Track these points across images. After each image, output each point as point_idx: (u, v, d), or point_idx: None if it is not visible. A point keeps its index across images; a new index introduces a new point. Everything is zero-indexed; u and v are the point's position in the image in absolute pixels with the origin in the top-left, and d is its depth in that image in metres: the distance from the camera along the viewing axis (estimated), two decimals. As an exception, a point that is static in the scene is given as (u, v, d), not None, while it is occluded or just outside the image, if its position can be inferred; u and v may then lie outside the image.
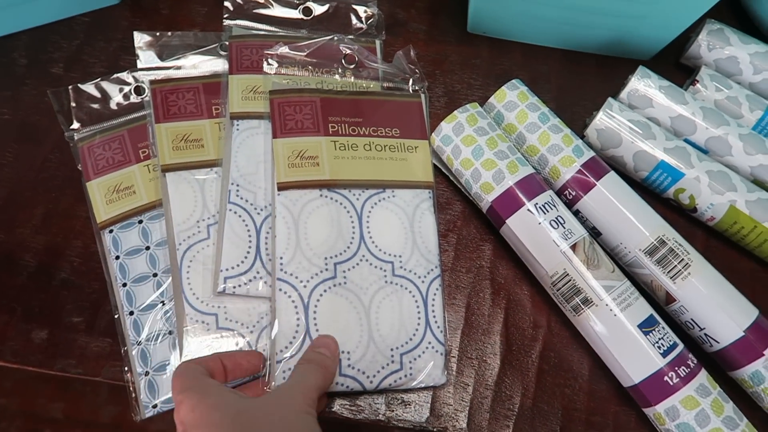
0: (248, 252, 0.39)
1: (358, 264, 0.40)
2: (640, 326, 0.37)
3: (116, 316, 0.39)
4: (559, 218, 0.40)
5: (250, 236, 0.40)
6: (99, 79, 0.45)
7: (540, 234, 0.39)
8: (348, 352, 0.38)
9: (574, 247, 0.39)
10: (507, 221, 0.40)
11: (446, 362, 0.39)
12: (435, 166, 0.44)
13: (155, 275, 0.40)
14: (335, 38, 0.45)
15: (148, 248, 0.40)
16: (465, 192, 0.44)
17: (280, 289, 0.38)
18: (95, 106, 0.44)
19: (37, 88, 0.46)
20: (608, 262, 0.39)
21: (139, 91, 0.45)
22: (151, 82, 0.43)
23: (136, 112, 0.44)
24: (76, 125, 0.44)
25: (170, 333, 0.38)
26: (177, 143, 0.41)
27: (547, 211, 0.40)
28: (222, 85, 0.44)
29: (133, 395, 0.37)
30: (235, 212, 0.40)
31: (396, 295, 0.40)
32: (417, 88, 0.46)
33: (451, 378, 0.40)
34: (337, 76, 0.45)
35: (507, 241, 0.42)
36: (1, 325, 0.39)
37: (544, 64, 0.50)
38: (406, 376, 0.38)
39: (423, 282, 0.41)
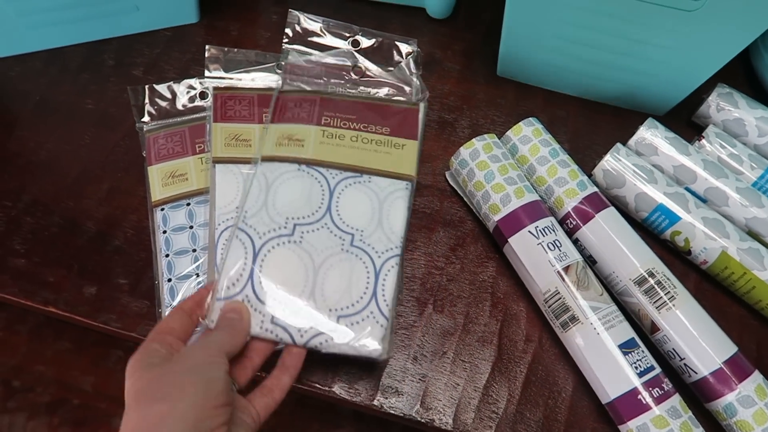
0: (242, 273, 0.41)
1: (318, 229, 0.42)
2: (621, 346, 0.40)
3: (156, 282, 0.45)
4: (556, 241, 0.43)
5: (245, 265, 0.41)
6: (171, 82, 0.52)
7: (537, 254, 0.43)
8: (284, 305, 0.39)
9: (567, 269, 0.42)
10: (509, 240, 0.45)
11: (387, 336, 0.40)
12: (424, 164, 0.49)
13: (194, 251, 0.45)
14: (346, 50, 0.51)
15: (191, 227, 0.46)
16: (476, 212, 0.48)
17: (237, 237, 0.41)
18: (164, 104, 0.51)
19: (118, 85, 0.54)
20: (598, 286, 0.42)
21: (203, 96, 0.52)
22: (215, 88, 0.50)
23: (198, 113, 0.51)
24: (146, 118, 0.51)
25: (200, 301, 0.43)
26: (229, 141, 0.47)
27: (546, 234, 0.44)
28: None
29: (161, 350, 0.42)
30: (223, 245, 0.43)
31: (348, 263, 0.42)
32: (419, 98, 0.50)
33: (370, 371, 0.43)
34: (341, 89, 0.50)
35: (509, 259, 0.46)
36: (60, 278, 0.46)
37: (563, 109, 0.54)
38: (338, 339, 0.39)
39: (379, 257, 0.42)
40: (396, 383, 0.43)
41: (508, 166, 0.46)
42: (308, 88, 0.49)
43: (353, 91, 0.50)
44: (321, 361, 0.43)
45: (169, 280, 0.44)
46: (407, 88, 0.50)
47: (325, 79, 0.51)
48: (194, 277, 0.44)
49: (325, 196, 0.44)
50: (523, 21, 0.49)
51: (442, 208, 0.50)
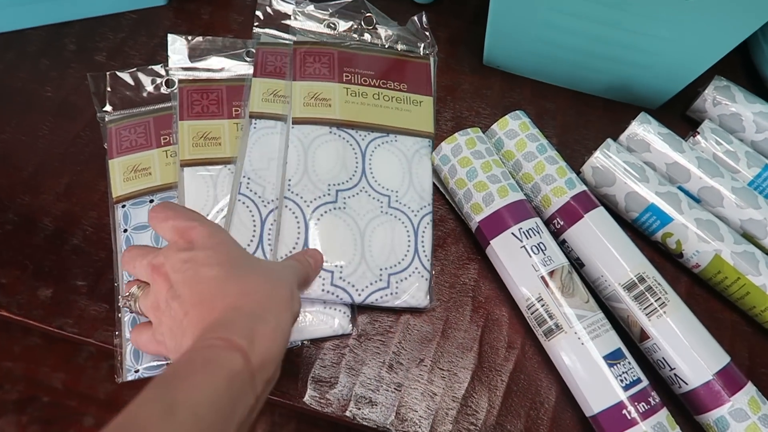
0: (251, 240, 0.42)
1: (357, 194, 0.44)
2: (606, 357, 0.38)
3: (116, 284, 0.42)
4: (541, 245, 0.41)
5: (254, 226, 0.43)
6: (135, 69, 0.49)
7: (521, 257, 0.41)
8: (341, 266, 0.42)
9: (551, 274, 0.40)
10: (491, 242, 0.42)
11: (430, 287, 0.43)
12: (436, 120, 0.49)
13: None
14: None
15: (154, 226, 0.43)
16: (458, 211, 0.46)
17: (286, 206, 0.42)
18: (128, 93, 0.48)
19: (80, 72, 0.50)
20: (584, 292, 0.40)
21: (168, 84, 0.49)
22: (180, 81, 0.47)
23: (163, 103, 0.48)
24: (108, 108, 0.48)
25: (161, 305, 0.41)
26: (197, 140, 0.44)
27: (531, 237, 0.41)
28: (245, 87, 0.47)
29: (119, 359, 0.39)
30: (244, 203, 0.43)
31: (390, 224, 0.44)
32: (428, 52, 0.51)
33: (342, 377, 0.41)
34: (355, 35, 0.50)
35: (491, 261, 0.43)
36: (13, 279, 0.43)
37: (551, 102, 0.52)
38: (392, 294, 0.42)
39: (416, 216, 0.45)
40: (370, 393, 0.41)
41: (491, 163, 0.44)
42: (324, 40, 0.49)
43: (366, 39, 0.50)
44: (291, 371, 0.41)
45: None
46: (420, 44, 0.51)
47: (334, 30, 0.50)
48: (156, 279, 0.42)
49: (358, 159, 0.45)
50: (510, 7, 0.46)
51: (423, 206, 0.47)
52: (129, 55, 0.51)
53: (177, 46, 0.48)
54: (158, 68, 0.49)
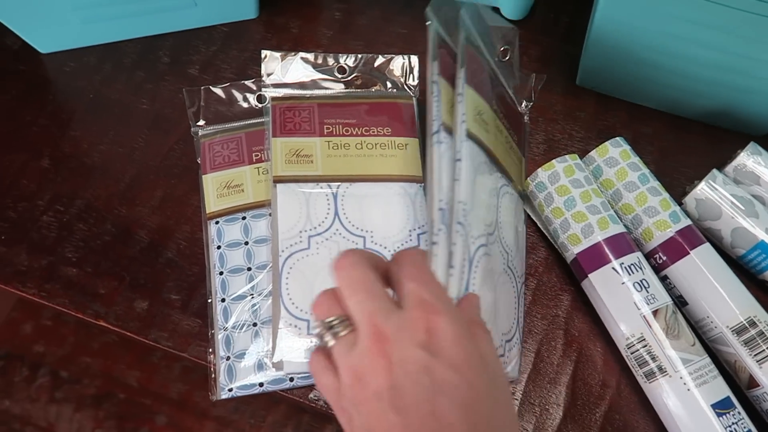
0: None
1: (495, 242, 0.39)
2: (714, 406, 0.36)
3: (209, 301, 0.42)
4: (644, 281, 0.39)
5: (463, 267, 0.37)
6: (228, 84, 0.49)
7: (622, 294, 0.39)
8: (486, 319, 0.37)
9: (655, 313, 0.38)
10: (590, 276, 0.41)
11: (519, 358, 0.41)
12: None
13: (249, 269, 0.43)
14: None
15: (246, 243, 0.44)
16: (551, 239, 0.44)
17: (457, 231, 0.35)
18: (221, 107, 0.49)
19: (174, 84, 0.51)
20: (689, 335, 0.38)
21: (260, 99, 0.49)
22: (272, 98, 0.47)
23: (255, 118, 0.48)
24: (201, 122, 0.48)
25: (254, 325, 0.41)
26: (290, 157, 0.44)
27: (633, 273, 0.40)
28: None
29: (213, 376, 0.40)
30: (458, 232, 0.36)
31: (507, 285, 0.40)
32: (411, 94, 0.49)
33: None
34: (333, 84, 0.48)
35: (587, 295, 0.42)
36: (111, 290, 0.44)
37: (648, 126, 0.50)
38: (504, 363, 0.39)
39: (518, 279, 0.42)
40: (459, 425, 0.40)
41: (591, 192, 0.42)
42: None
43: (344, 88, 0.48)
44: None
45: (223, 300, 0.42)
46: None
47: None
48: (249, 297, 0.42)
49: (497, 205, 0.41)
50: (615, 30, 0.44)
51: (514, 232, 0.46)
52: (220, 68, 0.52)
53: (269, 62, 0.48)
54: (250, 83, 0.50)
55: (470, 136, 0.38)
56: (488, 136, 0.40)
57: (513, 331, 0.40)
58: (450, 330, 0.24)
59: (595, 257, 0.41)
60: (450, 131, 0.38)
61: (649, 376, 0.38)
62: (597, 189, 0.43)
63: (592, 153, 0.45)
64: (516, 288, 0.42)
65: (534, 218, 0.46)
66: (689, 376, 0.37)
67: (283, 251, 0.41)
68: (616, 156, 0.44)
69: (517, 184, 0.45)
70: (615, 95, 0.51)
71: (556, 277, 0.44)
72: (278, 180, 0.44)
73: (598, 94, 0.51)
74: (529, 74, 0.49)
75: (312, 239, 0.42)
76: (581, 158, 0.45)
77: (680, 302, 0.41)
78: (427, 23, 0.40)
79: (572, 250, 0.42)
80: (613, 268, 0.40)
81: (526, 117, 0.49)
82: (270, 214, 0.44)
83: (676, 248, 0.41)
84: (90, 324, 0.44)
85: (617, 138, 0.44)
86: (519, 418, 0.40)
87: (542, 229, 0.45)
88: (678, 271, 0.40)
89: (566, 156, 0.44)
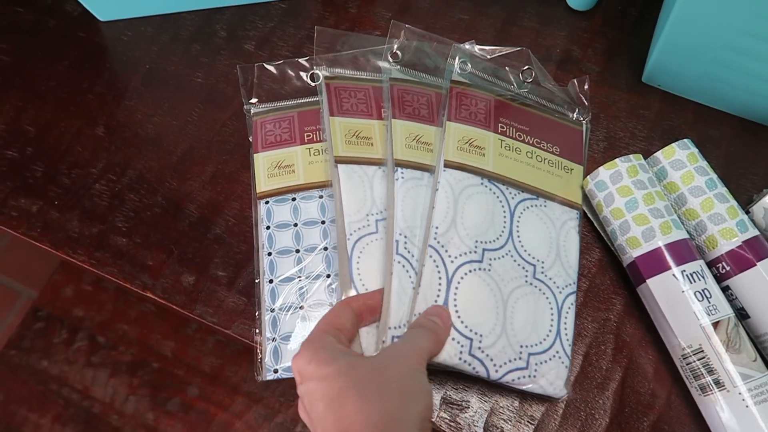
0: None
1: (503, 256, 0.40)
2: (775, 426, 0.35)
3: (257, 281, 0.42)
4: (705, 291, 0.38)
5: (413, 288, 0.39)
6: (282, 62, 0.49)
7: (681, 303, 0.38)
8: (481, 335, 0.37)
9: (716, 325, 0.37)
10: (648, 281, 0.39)
11: (569, 377, 0.39)
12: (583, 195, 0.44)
13: (297, 251, 0.42)
14: (522, 50, 0.47)
15: (296, 225, 0.43)
16: (607, 241, 0.43)
17: (430, 256, 0.38)
18: (274, 85, 0.48)
19: (229, 59, 0.51)
20: (751, 350, 0.37)
21: (313, 78, 0.48)
22: (325, 77, 0.46)
23: (308, 98, 0.47)
24: (254, 100, 0.48)
25: (300, 308, 0.41)
26: (349, 138, 0.43)
27: (694, 281, 0.38)
28: (386, 125, 0.44)
29: (259, 357, 0.40)
30: (403, 265, 0.39)
31: (533, 297, 0.40)
32: (582, 118, 0.47)
33: (474, 402, 0.39)
34: (512, 85, 0.46)
35: (642, 300, 0.41)
36: (159, 262, 0.44)
37: (716, 129, 0.47)
38: (530, 376, 0.38)
39: (561, 293, 0.41)
40: (502, 423, 0.39)
41: (654, 195, 0.41)
42: (481, 84, 0.45)
43: (521, 91, 0.47)
44: (422, 388, 0.40)
45: (271, 281, 0.42)
46: (574, 108, 0.47)
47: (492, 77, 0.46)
48: (296, 280, 0.42)
49: (507, 219, 0.42)
50: (692, 26, 0.42)
51: (568, 230, 0.44)
52: (276, 45, 0.51)
53: (323, 40, 0.47)
54: (304, 61, 0.49)
55: (449, 165, 0.41)
56: (482, 159, 0.42)
57: (546, 345, 0.39)
58: (302, 356, 0.32)
59: (654, 262, 0.39)
60: (407, 166, 0.41)
61: (704, 389, 0.37)
62: (660, 192, 0.41)
63: (658, 154, 0.43)
64: (554, 300, 0.40)
65: (590, 217, 0.44)
66: (748, 393, 0.35)
67: (351, 235, 0.40)
68: (682, 158, 0.42)
69: (560, 194, 0.44)
70: (682, 95, 0.49)
71: (609, 279, 0.43)
72: (340, 160, 0.42)
73: (663, 93, 0.49)
74: (564, 85, 0.47)
75: (379, 223, 0.41)
76: (644, 158, 0.43)
77: (741, 315, 0.39)
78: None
79: (630, 254, 0.40)
80: (674, 275, 0.38)
81: (585, 123, 0.47)
82: (333, 196, 0.42)
83: (742, 259, 0.39)
84: (129, 291, 0.45)
85: (685, 140, 0.43)
86: (563, 422, 0.39)
87: (598, 229, 0.44)
88: (742, 282, 0.39)
89: (630, 155, 0.42)
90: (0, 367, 0.82)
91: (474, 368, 0.37)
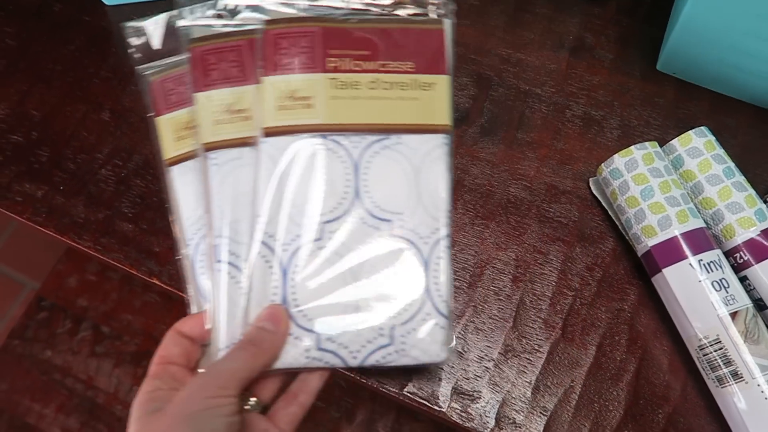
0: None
1: (348, 223, 0.35)
2: (795, 418, 0.34)
3: (264, 267, 0.42)
4: (723, 281, 0.37)
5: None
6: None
7: (698, 292, 0.37)
8: (328, 325, 0.34)
9: (734, 315, 0.36)
10: (663, 270, 0.38)
11: (448, 335, 0.35)
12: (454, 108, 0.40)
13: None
14: None
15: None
16: (622, 230, 0.42)
17: (258, 252, 0.34)
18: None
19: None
20: (770, 341, 0.36)
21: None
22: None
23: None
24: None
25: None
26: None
27: (711, 271, 0.37)
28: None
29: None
30: (228, 272, 0.35)
31: (391, 260, 0.35)
32: (441, 11, 0.39)
33: (485, 393, 0.39)
34: (339, 1, 0.38)
35: (657, 290, 0.40)
36: (165, 249, 0.43)
37: (732, 118, 0.47)
38: (397, 351, 0.34)
39: (426, 243, 0.36)
40: (514, 413, 0.39)
41: (670, 183, 0.40)
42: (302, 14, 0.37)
43: (356, 5, 0.38)
44: (433, 377, 0.39)
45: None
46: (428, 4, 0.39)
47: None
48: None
49: (350, 177, 0.36)
50: (709, 13, 0.41)
51: (581, 219, 0.44)
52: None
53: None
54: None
55: (270, 133, 0.36)
56: (310, 112, 0.36)
57: (413, 310, 0.35)
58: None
59: (670, 251, 0.38)
60: (220, 147, 0.36)
61: (722, 380, 0.36)
62: (677, 180, 0.40)
63: (674, 142, 0.42)
64: (419, 255, 0.35)
65: (605, 205, 0.43)
66: (767, 385, 0.35)
67: (190, 241, 0.37)
68: (699, 146, 0.41)
69: (419, 120, 0.37)
70: (698, 83, 0.48)
71: (623, 269, 0.42)
72: (173, 162, 0.38)
73: (678, 81, 0.48)
74: None
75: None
76: (661, 146, 0.42)
77: (759, 305, 0.38)
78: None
79: (646, 243, 0.39)
80: (690, 265, 0.37)
81: (446, 20, 0.39)
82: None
83: (760, 248, 0.38)
84: (133, 281, 0.44)
85: (702, 127, 0.42)
86: (576, 413, 0.39)
87: (613, 218, 0.43)
88: (759, 272, 0.38)
89: (645, 143, 0.41)
90: (4, 357, 0.82)
91: (327, 362, 0.34)
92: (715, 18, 0.41)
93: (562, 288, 0.42)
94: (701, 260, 0.37)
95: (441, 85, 0.38)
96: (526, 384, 0.39)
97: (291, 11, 0.37)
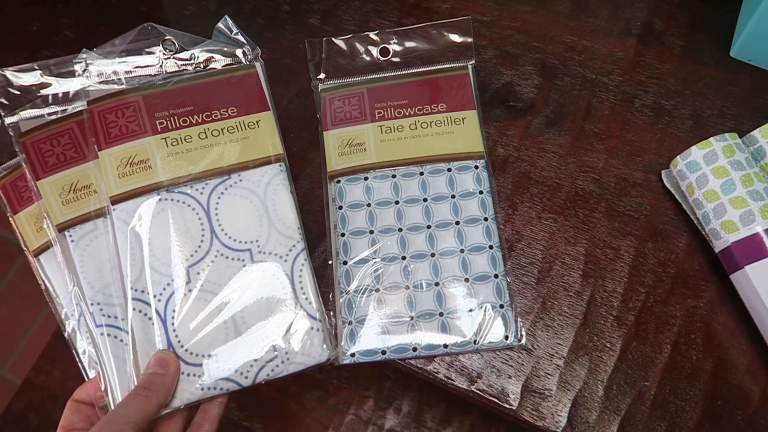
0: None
1: (212, 261, 0.38)
2: None
3: (330, 262, 0.41)
4: (811, 279, 0.36)
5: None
6: (350, 36, 0.47)
7: (784, 291, 0.36)
8: (215, 356, 0.36)
9: (823, 315, 0.35)
10: (746, 268, 0.37)
11: (327, 336, 0.38)
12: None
13: (371, 232, 0.41)
14: (149, 26, 0.41)
15: (369, 205, 0.42)
16: (697, 224, 0.41)
17: (134, 309, 0.36)
18: (342, 60, 0.47)
19: (294, 34, 0.49)
20: None
21: (384, 53, 0.46)
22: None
23: (378, 73, 0.46)
24: (322, 75, 0.46)
25: (376, 290, 0.40)
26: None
27: (799, 269, 0.36)
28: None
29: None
30: (108, 333, 0.37)
31: (258, 283, 0.38)
32: (251, 57, 0.42)
33: (556, 391, 0.38)
34: (155, 69, 0.41)
35: (736, 287, 0.38)
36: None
37: (812, 107, 0.45)
38: (283, 361, 0.37)
39: (286, 261, 0.38)
40: (587, 413, 0.38)
41: (753, 176, 0.38)
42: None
43: (171, 68, 0.41)
44: (503, 374, 0.39)
45: (345, 262, 0.41)
46: (238, 51, 0.41)
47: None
48: (371, 262, 0.40)
49: (203, 220, 0.38)
50: (797, -6, 0.39)
51: (653, 213, 0.42)
52: (342, 19, 0.50)
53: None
54: (373, 35, 0.47)
55: (117, 200, 0.38)
56: (150, 173, 0.38)
57: (288, 321, 0.37)
58: None
59: (753, 248, 0.37)
60: (72, 225, 0.38)
61: (809, 383, 0.35)
62: (759, 173, 0.39)
63: (755, 132, 0.40)
64: (281, 272, 0.38)
65: (678, 199, 0.42)
66: None
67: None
68: (783, 138, 0.39)
69: (255, 156, 0.40)
70: (775, 70, 0.46)
71: (698, 265, 0.41)
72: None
73: (753, 68, 0.46)
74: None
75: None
76: (740, 138, 0.41)
77: None
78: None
79: (726, 238, 0.38)
80: (776, 262, 0.36)
81: (256, 62, 0.42)
82: (394, 176, 0.41)
83: None
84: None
85: (785, 118, 0.40)
86: (651, 413, 0.38)
87: (688, 212, 0.41)
88: None
89: (725, 134, 0.39)
90: (56, 345, 0.83)
91: (222, 389, 0.36)
92: (802, 2, 0.39)
93: (634, 284, 0.41)
94: (787, 258, 0.36)
95: (265, 120, 0.41)
96: (599, 382, 0.38)
97: (112, 87, 0.40)
